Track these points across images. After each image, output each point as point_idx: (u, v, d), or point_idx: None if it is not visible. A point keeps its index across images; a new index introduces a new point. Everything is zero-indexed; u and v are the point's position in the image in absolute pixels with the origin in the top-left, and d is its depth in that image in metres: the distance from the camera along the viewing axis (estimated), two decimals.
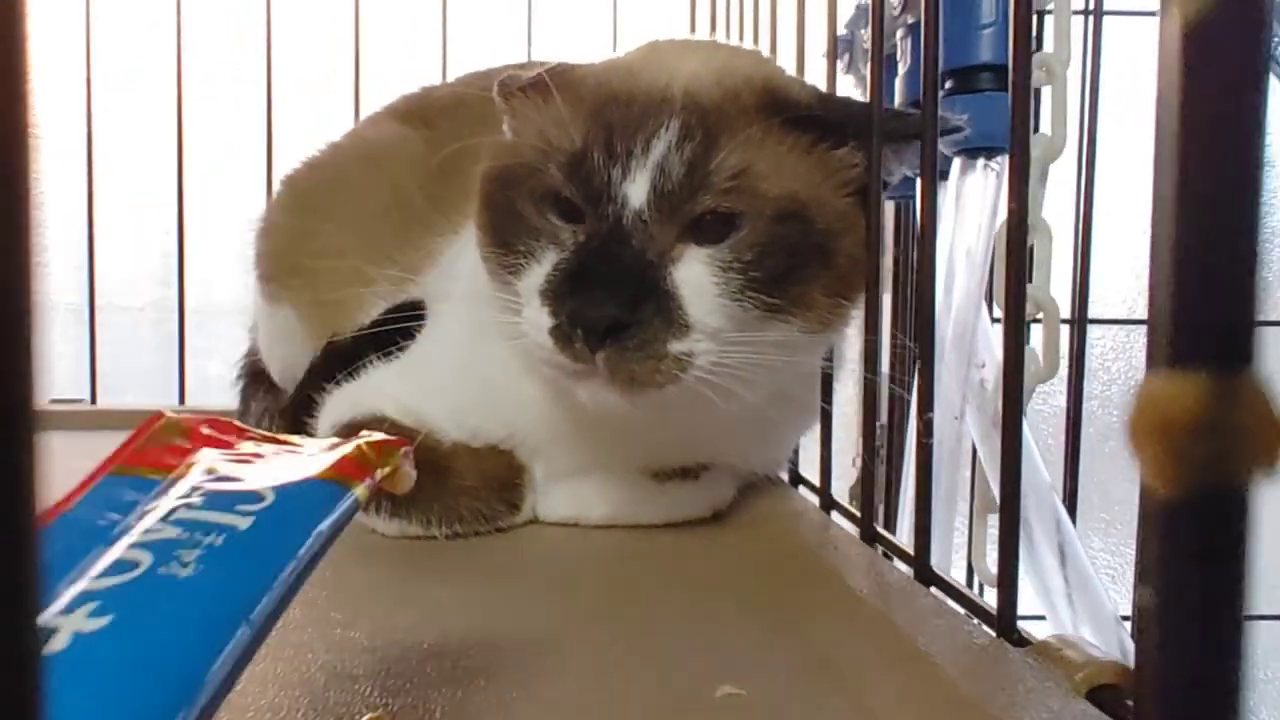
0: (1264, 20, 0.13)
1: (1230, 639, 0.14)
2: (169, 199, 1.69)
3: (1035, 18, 1.16)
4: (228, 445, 0.45)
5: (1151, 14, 1.57)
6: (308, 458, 0.44)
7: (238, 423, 0.48)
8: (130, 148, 1.73)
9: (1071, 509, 1.35)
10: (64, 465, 0.90)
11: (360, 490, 0.43)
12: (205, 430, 0.45)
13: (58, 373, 1.70)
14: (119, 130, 1.72)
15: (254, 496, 0.39)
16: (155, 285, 1.74)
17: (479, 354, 0.86)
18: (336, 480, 0.42)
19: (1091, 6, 1.42)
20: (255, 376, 1.23)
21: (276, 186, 1.37)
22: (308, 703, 0.50)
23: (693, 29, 1.55)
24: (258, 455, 0.44)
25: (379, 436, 0.48)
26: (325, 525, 0.40)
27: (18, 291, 0.15)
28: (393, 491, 0.48)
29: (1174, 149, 0.14)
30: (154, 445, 0.43)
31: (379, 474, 0.45)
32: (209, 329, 1.73)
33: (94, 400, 1.64)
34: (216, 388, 1.62)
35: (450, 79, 1.51)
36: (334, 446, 0.46)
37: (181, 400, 1.64)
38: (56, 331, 1.71)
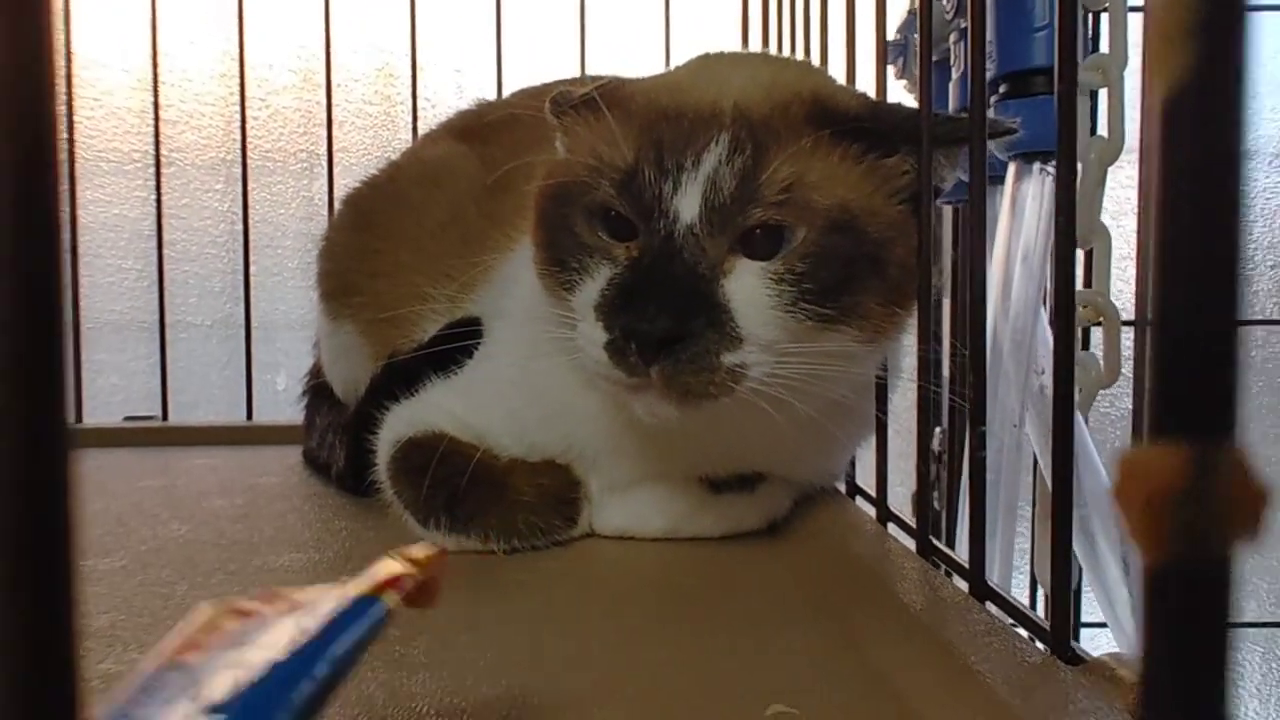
0: (1241, 91, 0.14)
1: (1213, 699, 0.14)
2: (234, 216, 1.73)
3: (1090, 18, 1.15)
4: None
5: None
6: (330, 595, 0.42)
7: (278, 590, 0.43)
8: (195, 170, 1.77)
9: None
10: (135, 484, 0.93)
11: (390, 599, 0.41)
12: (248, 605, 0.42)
13: (131, 390, 1.75)
14: (185, 152, 1.77)
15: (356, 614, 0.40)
16: (223, 302, 1.78)
17: (536, 369, 0.87)
18: (361, 599, 0.41)
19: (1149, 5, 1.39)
20: (319, 392, 1.25)
21: (338, 205, 1.40)
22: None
23: (744, 39, 1.55)
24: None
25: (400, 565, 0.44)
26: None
27: (52, 318, 0.16)
28: (425, 599, 0.44)
29: (1157, 217, 0.14)
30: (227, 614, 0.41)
31: (407, 582, 0.43)
32: (275, 345, 1.76)
33: (165, 417, 1.68)
34: (284, 402, 1.66)
35: (505, 94, 1.52)
36: (357, 582, 0.43)
37: (249, 416, 1.67)
38: (129, 350, 1.76)
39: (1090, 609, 1.25)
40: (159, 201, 1.71)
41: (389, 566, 0.43)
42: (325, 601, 0.41)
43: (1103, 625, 1.08)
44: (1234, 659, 0.13)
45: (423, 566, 0.44)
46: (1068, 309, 0.57)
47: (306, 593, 0.42)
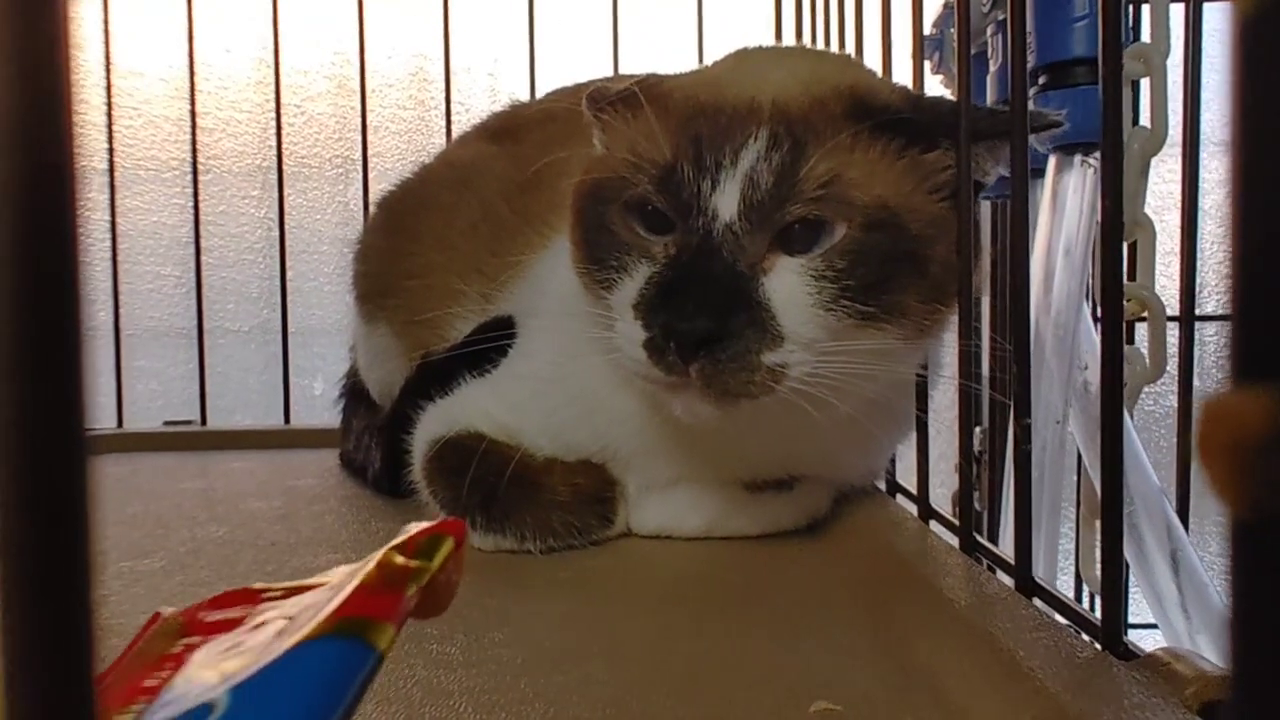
0: None
1: None
2: (271, 222, 1.74)
3: (1131, 8, 1.13)
4: (235, 624, 0.34)
5: None
6: (325, 599, 0.32)
7: (256, 586, 0.37)
8: (233, 177, 1.78)
9: (1184, 514, 1.30)
10: (175, 486, 0.94)
11: (383, 637, 0.30)
12: (210, 617, 0.35)
13: (171, 395, 1.77)
14: (222, 159, 1.78)
15: (201, 712, 0.28)
16: (260, 308, 1.79)
17: (572, 368, 0.87)
18: (341, 632, 0.30)
19: None
20: (356, 395, 1.25)
21: (372, 209, 1.40)
22: (404, 718, 0.51)
23: (778, 36, 1.54)
24: (263, 624, 0.33)
25: (422, 526, 0.34)
26: None
27: (71, 324, 0.16)
28: (435, 606, 0.34)
29: (1234, 149, 0.13)
30: (144, 660, 0.33)
31: (410, 595, 0.32)
32: (312, 349, 1.77)
33: (204, 421, 1.69)
34: (321, 406, 1.66)
35: (539, 95, 1.52)
36: (354, 572, 0.33)
37: (287, 420, 1.68)
38: (169, 356, 1.77)
39: (1137, 610, 1.23)
40: (197, 209, 1.73)
41: (382, 573, 0.32)
42: (298, 622, 0.31)
43: (1152, 626, 1.06)
44: None
45: (432, 552, 0.33)
46: (1115, 300, 0.55)
47: (284, 604, 0.34)
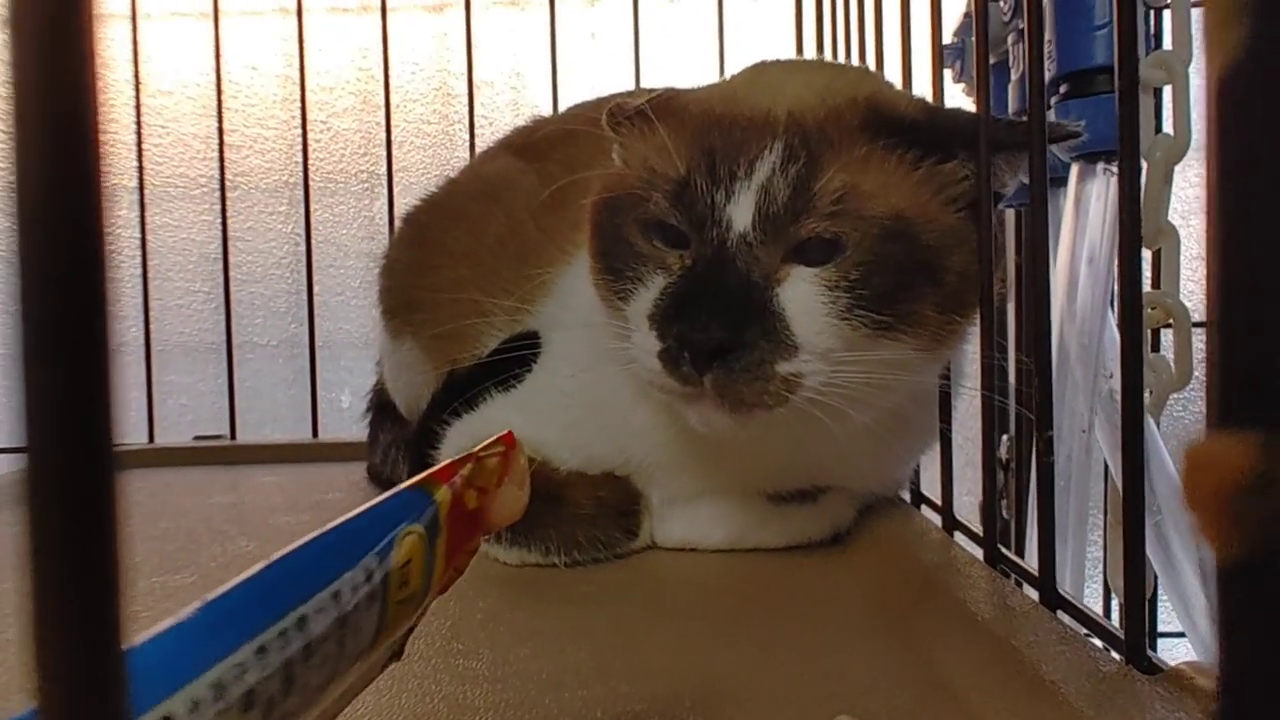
0: None
1: None
2: (298, 237, 1.76)
3: (1152, 14, 1.13)
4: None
5: None
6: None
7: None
8: (259, 193, 1.80)
9: None
10: (204, 501, 0.95)
11: (438, 490, 0.39)
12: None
13: (200, 410, 1.78)
14: (249, 175, 1.80)
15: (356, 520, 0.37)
16: (288, 323, 1.80)
17: (594, 381, 0.87)
18: (414, 487, 0.39)
19: None
20: (383, 409, 1.26)
21: (398, 223, 1.41)
22: None
23: (798, 47, 1.54)
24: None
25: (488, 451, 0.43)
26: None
27: (98, 338, 0.16)
28: (501, 517, 0.43)
29: (1213, 202, 0.13)
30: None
31: (464, 470, 0.41)
32: (340, 363, 1.79)
33: (234, 436, 1.70)
34: (348, 419, 1.67)
35: (560, 109, 1.53)
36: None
37: (315, 433, 1.69)
38: (198, 371, 1.79)
39: (1166, 618, 1.22)
40: (224, 225, 1.74)
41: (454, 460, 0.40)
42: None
43: (1180, 635, 1.05)
44: None
45: (484, 458, 0.41)
46: (1134, 309, 0.55)
47: None
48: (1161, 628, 1.25)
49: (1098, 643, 0.59)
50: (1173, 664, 0.52)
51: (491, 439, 0.43)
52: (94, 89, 0.17)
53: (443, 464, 0.40)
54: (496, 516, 0.43)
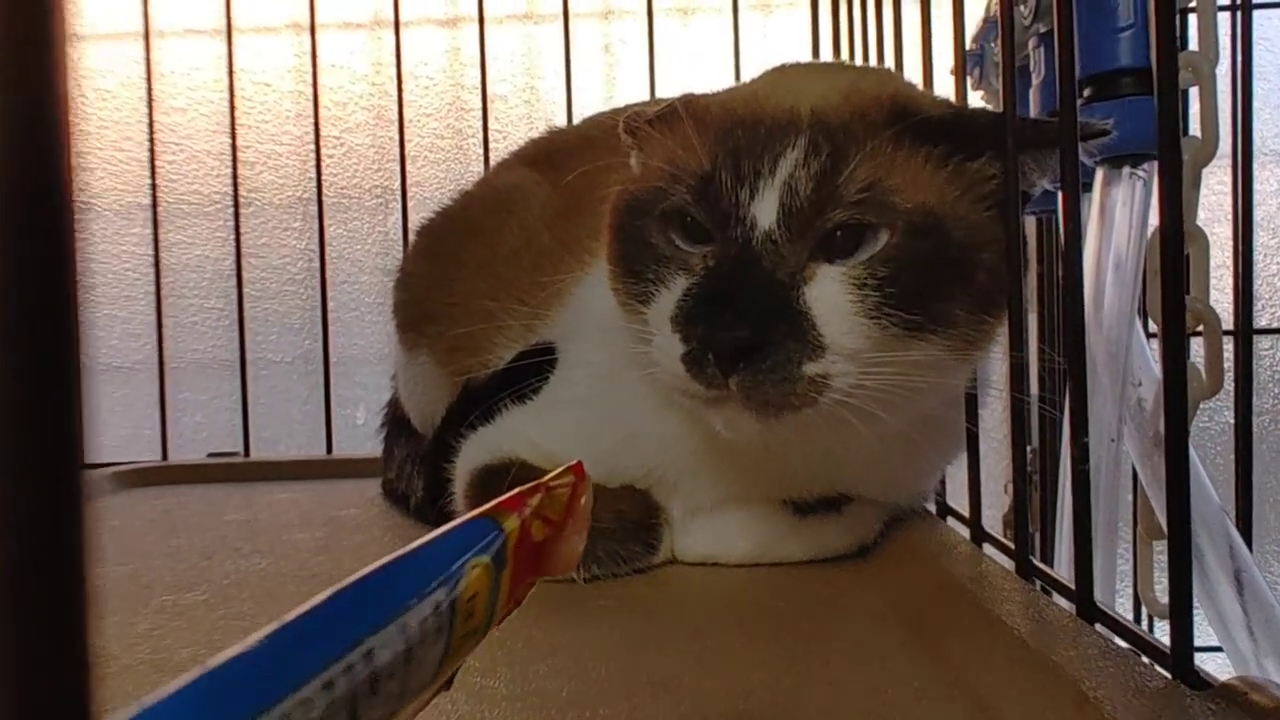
0: None
1: None
2: (312, 254, 1.75)
3: (1178, 16, 1.11)
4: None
5: None
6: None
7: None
8: (273, 210, 1.80)
9: (1246, 532, 1.27)
10: (218, 518, 0.93)
11: (507, 520, 0.38)
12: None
13: (215, 427, 1.77)
14: (263, 192, 1.80)
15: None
16: (302, 339, 1.80)
17: (612, 391, 0.85)
18: (485, 514, 0.38)
19: (1239, 1, 1.34)
20: (398, 423, 1.25)
21: (412, 237, 1.40)
22: None
23: (815, 55, 1.53)
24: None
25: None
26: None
27: (68, 356, 0.15)
28: (560, 565, 0.42)
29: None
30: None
31: (532, 501, 0.40)
32: (354, 379, 1.78)
33: (248, 452, 1.69)
34: (363, 435, 1.66)
35: (575, 120, 1.52)
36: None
37: (329, 449, 1.68)
38: (212, 388, 1.78)
39: (1200, 632, 1.19)
40: (238, 241, 1.74)
41: (522, 489, 0.40)
42: None
43: (1216, 649, 1.02)
44: None
45: (554, 488, 0.41)
46: (1176, 311, 0.53)
47: None
48: (1196, 641, 1.22)
49: (1138, 655, 0.56)
50: (1222, 679, 0.50)
51: (561, 469, 0.43)
52: (64, 111, 0.16)
53: (512, 493, 0.40)
54: (558, 563, 0.42)
